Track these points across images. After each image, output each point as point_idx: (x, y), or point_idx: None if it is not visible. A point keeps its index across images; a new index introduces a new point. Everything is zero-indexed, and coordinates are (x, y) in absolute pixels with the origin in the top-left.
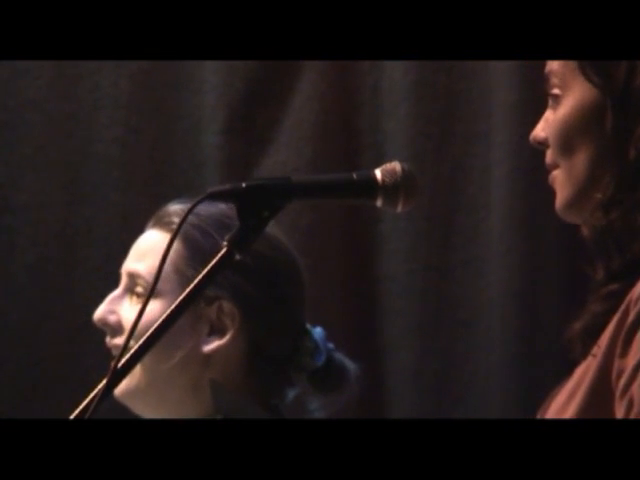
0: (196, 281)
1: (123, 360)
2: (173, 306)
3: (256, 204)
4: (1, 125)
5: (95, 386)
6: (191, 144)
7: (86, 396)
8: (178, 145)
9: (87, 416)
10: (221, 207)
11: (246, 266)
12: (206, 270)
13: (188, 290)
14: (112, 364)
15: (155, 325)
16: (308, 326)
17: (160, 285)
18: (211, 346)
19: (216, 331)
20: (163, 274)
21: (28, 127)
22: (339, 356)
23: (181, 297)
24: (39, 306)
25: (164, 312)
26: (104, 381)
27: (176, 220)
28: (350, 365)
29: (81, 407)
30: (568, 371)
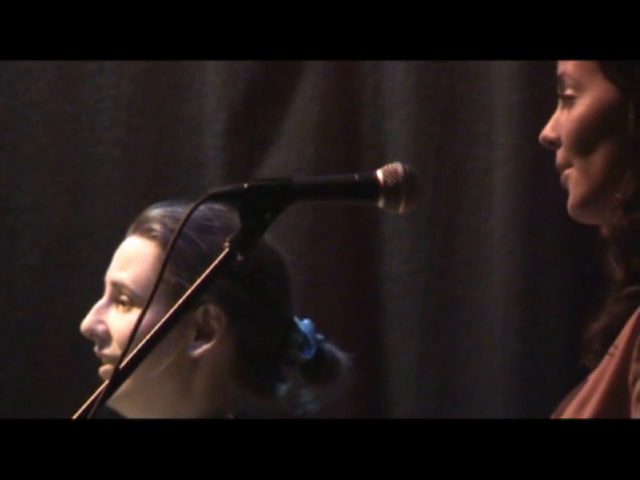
0: (197, 283)
1: (122, 364)
2: (174, 308)
3: (258, 205)
4: (3, 126)
5: (97, 388)
6: (193, 145)
7: (88, 398)
8: (180, 146)
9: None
10: (201, 209)
11: (230, 268)
12: (207, 272)
13: (189, 292)
14: (100, 373)
15: (155, 328)
16: (296, 319)
17: (144, 293)
18: (199, 350)
19: (203, 335)
20: (147, 282)
21: (30, 128)
22: (329, 347)
23: (182, 300)
24: (41, 307)
25: (152, 321)
26: (103, 387)
27: (155, 226)
28: (341, 355)
29: (80, 411)
30: (570, 372)
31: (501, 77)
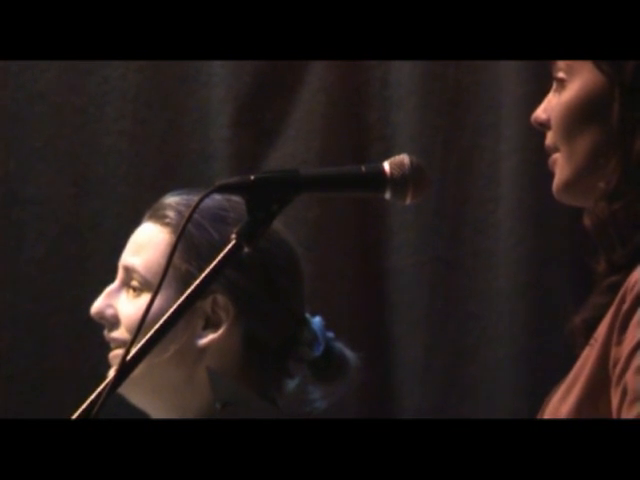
0: (205, 274)
1: (130, 355)
2: (181, 299)
3: (265, 197)
4: (9, 118)
5: (103, 379)
6: (199, 137)
7: (94, 389)
8: (186, 138)
9: (95, 411)
10: (217, 199)
11: (240, 259)
12: (214, 263)
13: (197, 283)
14: (109, 358)
15: (162, 320)
16: (307, 316)
17: (154, 279)
18: (205, 340)
19: (211, 325)
20: (158, 268)
21: (36, 120)
22: (338, 345)
23: (189, 290)
24: (47, 299)
25: (160, 307)
26: (111, 376)
27: (169, 213)
28: (350, 354)
29: (88, 402)
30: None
31: (508, 69)
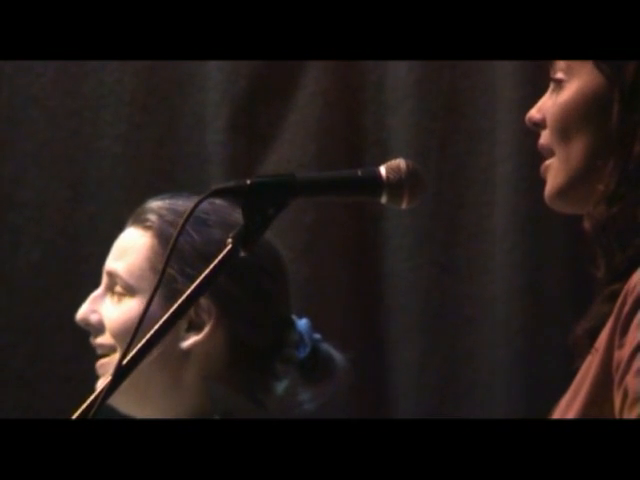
0: (201, 278)
1: (125, 361)
2: (177, 304)
3: (261, 201)
4: (5, 122)
5: (96, 383)
6: (195, 141)
7: (89, 393)
8: (182, 142)
9: (90, 416)
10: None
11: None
12: (210, 268)
13: (192, 287)
14: (96, 367)
15: (157, 325)
16: (293, 317)
17: (137, 283)
18: (189, 342)
19: (194, 327)
20: (140, 273)
21: (32, 124)
22: (325, 347)
23: (185, 295)
24: (43, 303)
25: (142, 309)
26: (105, 383)
27: (151, 217)
28: (337, 355)
29: (83, 407)
30: (572, 368)
31: (503, 73)
